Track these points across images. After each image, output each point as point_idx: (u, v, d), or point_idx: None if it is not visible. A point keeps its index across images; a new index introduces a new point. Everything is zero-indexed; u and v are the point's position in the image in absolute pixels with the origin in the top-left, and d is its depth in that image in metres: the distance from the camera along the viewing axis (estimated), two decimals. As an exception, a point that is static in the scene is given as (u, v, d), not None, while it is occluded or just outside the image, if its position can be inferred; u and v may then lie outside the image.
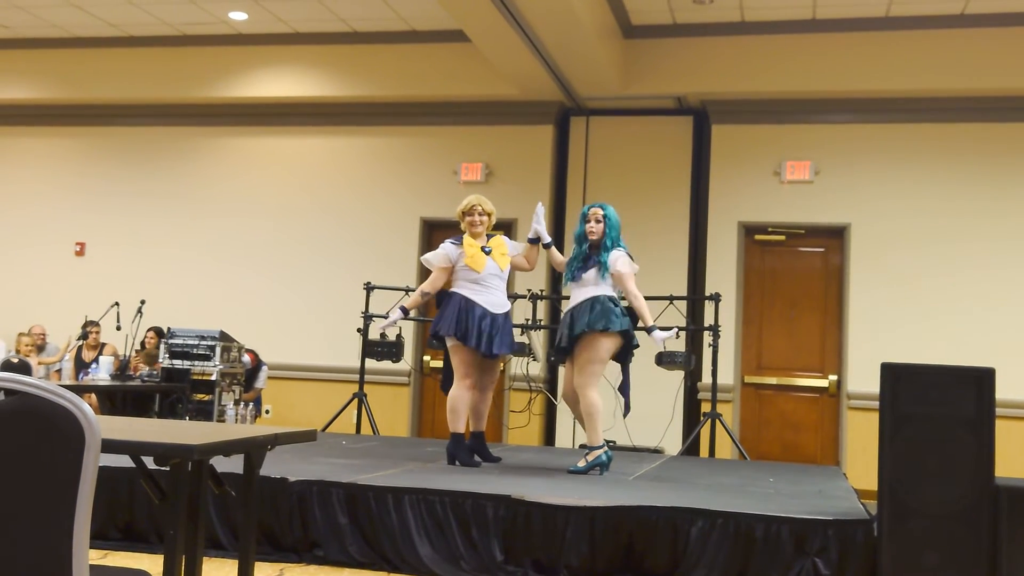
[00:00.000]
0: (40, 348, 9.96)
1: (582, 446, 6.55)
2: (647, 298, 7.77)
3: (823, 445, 8.98)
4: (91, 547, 1.65)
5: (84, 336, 9.47)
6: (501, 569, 4.45)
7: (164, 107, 10.56)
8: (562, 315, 6.08)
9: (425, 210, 9.80)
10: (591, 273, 5.92)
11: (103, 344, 9.55)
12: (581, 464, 5.87)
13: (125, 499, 4.82)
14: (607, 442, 6.06)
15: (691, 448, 8.21)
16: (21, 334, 9.87)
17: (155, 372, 8.74)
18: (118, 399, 8.37)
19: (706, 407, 8.40)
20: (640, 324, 6.05)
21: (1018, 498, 3.95)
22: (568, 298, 6.14)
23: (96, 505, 1.63)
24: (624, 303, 6.01)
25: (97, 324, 9.43)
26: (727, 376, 8.85)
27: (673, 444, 8.51)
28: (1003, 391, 4.38)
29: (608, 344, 5.85)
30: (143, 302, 9.02)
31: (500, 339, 5.94)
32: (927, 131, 8.91)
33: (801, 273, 9.21)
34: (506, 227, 9.54)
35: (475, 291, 5.97)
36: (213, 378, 8.34)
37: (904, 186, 8.89)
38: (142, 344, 9.42)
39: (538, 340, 8.22)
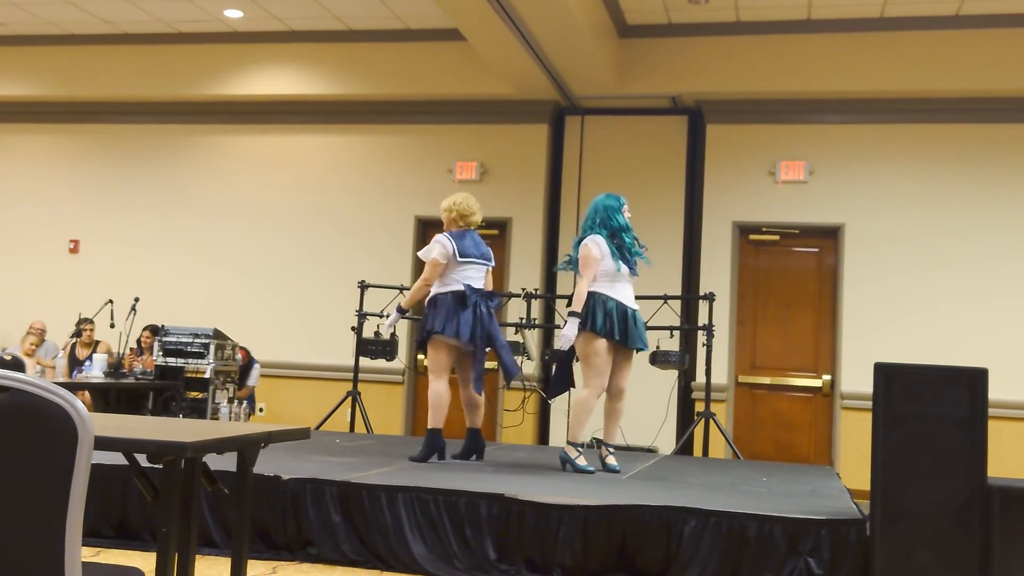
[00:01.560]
0: (40, 343, 9.92)
1: (599, 442, 6.59)
2: (642, 297, 7.82)
3: (816, 445, 9.00)
4: (84, 545, 1.65)
5: (78, 333, 9.45)
6: (494, 568, 4.45)
7: (159, 105, 10.54)
8: (619, 302, 5.91)
9: (419, 208, 9.79)
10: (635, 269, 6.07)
11: (97, 342, 9.53)
12: (616, 463, 6.02)
13: (118, 497, 4.82)
14: (608, 444, 6.16)
15: (685, 447, 8.22)
16: (30, 332, 9.81)
17: (148, 370, 8.74)
18: (111, 396, 8.36)
19: (700, 406, 8.41)
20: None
21: (1011, 498, 3.96)
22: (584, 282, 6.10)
23: (89, 502, 1.63)
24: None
25: (91, 321, 9.42)
26: (721, 375, 8.86)
27: (667, 443, 8.52)
28: (996, 391, 4.39)
29: None
30: (137, 299, 9.01)
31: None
32: (922, 132, 8.92)
33: (795, 273, 9.22)
34: (500, 226, 9.56)
35: None
36: (207, 376, 8.34)
37: (898, 186, 8.91)
38: (138, 342, 9.39)
39: (532, 339, 8.23)
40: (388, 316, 6.43)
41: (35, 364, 9.43)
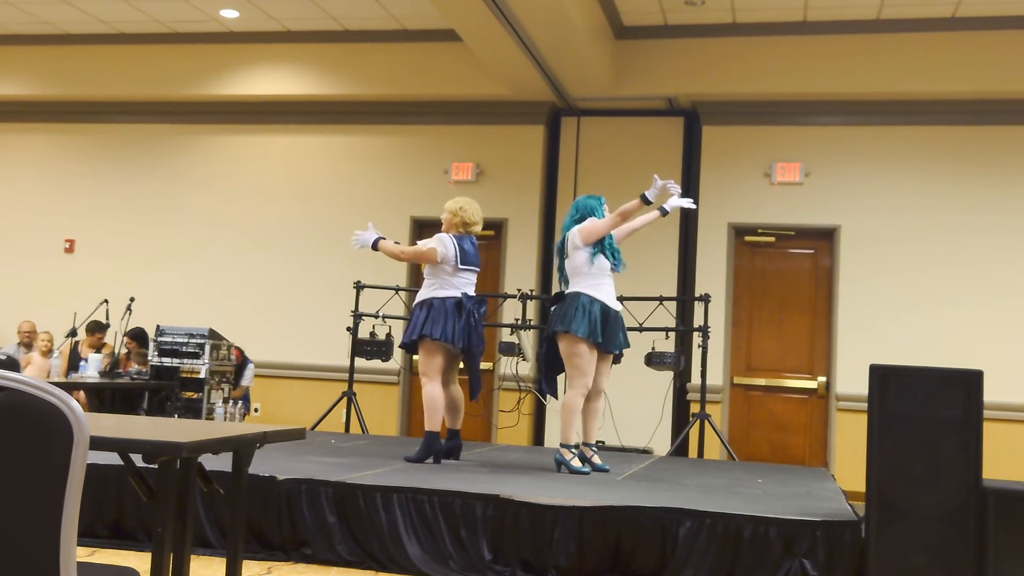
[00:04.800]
0: (28, 346, 9.89)
1: (599, 443, 6.63)
2: (637, 299, 7.83)
3: (811, 446, 9.00)
4: (78, 545, 1.65)
5: (73, 333, 9.39)
6: (489, 569, 4.45)
7: (154, 104, 10.53)
8: (604, 303, 5.93)
9: (415, 209, 9.79)
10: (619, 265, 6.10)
11: (103, 343, 9.47)
12: (602, 462, 6.11)
13: (113, 496, 4.82)
14: (590, 443, 6.19)
15: (680, 449, 8.22)
16: (40, 332, 9.77)
17: (143, 370, 8.73)
18: (107, 396, 8.35)
19: (695, 408, 8.41)
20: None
21: (1005, 500, 3.97)
22: (572, 281, 6.11)
23: (84, 502, 1.62)
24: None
25: (103, 328, 9.30)
26: (716, 377, 8.86)
27: (662, 445, 8.52)
28: (991, 394, 4.39)
29: None
30: (132, 299, 9.00)
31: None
32: (917, 133, 8.94)
33: (791, 274, 9.23)
34: (496, 227, 9.56)
35: None
36: (202, 376, 8.33)
37: (894, 188, 8.92)
38: (127, 349, 9.33)
39: (528, 340, 8.23)
40: (367, 233, 6.24)
41: (47, 362, 9.35)
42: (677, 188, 6.00)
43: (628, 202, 5.93)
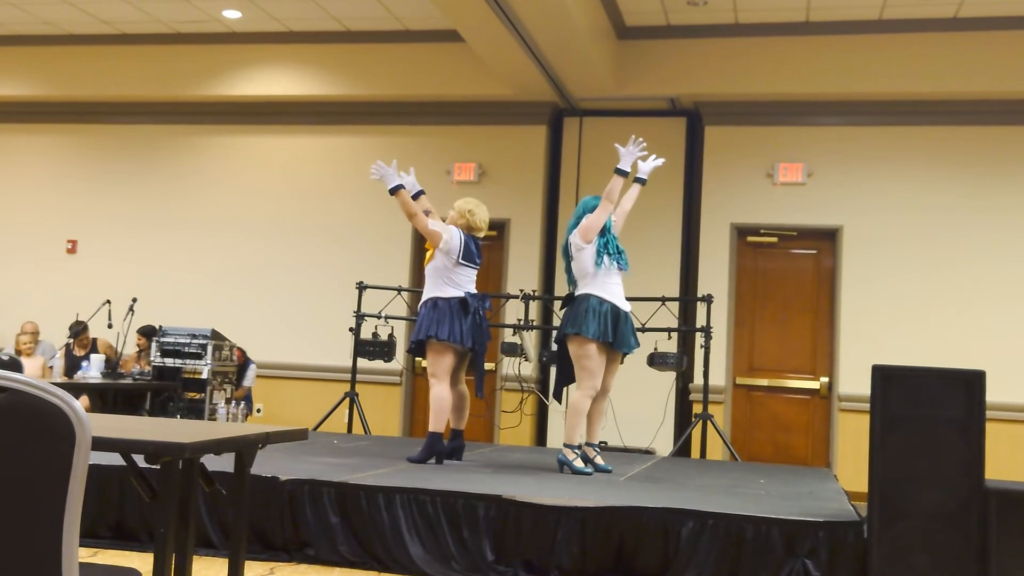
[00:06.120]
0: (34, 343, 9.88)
1: (601, 443, 6.63)
2: (640, 299, 7.83)
3: (814, 447, 9.00)
4: (81, 545, 1.65)
5: (75, 335, 9.42)
6: (492, 569, 4.45)
7: (157, 105, 10.53)
8: (614, 304, 5.93)
9: (418, 210, 9.77)
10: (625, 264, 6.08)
11: (95, 340, 9.48)
12: (605, 463, 6.08)
13: (115, 497, 4.82)
14: (592, 444, 6.18)
15: (682, 449, 8.21)
16: (19, 333, 9.80)
17: (146, 370, 8.73)
18: (109, 397, 8.35)
19: (697, 408, 8.41)
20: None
21: (1008, 500, 3.96)
22: (573, 279, 6.12)
23: (86, 503, 1.63)
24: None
25: (86, 327, 9.34)
26: (719, 377, 8.86)
27: (664, 445, 8.52)
28: (994, 394, 4.39)
29: None
30: (135, 300, 9.01)
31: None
32: (920, 134, 8.93)
33: (793, 275, 9.22)
34: (498, 228, 9.55)
35: None
36: (204, 376, 8.33)
37: (896, 188, 8.91)
38: (138, 348, 9.35)
39: (530, 340, 8.23)
40: (391, 171, 6.20)
41: (40, 364, 9.35)
42: (641, 144, 6.03)
43: (608, 184, 5.99)
